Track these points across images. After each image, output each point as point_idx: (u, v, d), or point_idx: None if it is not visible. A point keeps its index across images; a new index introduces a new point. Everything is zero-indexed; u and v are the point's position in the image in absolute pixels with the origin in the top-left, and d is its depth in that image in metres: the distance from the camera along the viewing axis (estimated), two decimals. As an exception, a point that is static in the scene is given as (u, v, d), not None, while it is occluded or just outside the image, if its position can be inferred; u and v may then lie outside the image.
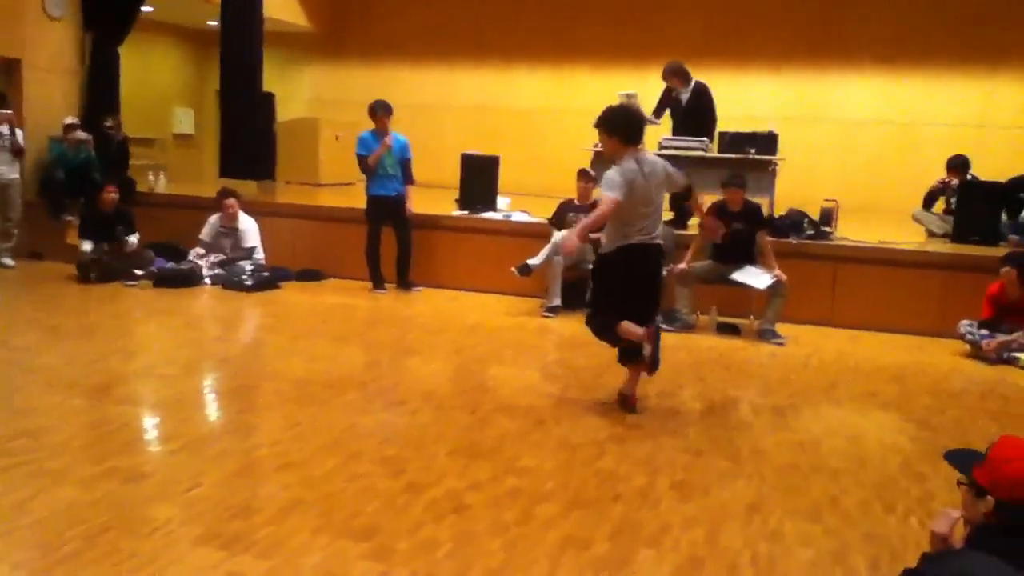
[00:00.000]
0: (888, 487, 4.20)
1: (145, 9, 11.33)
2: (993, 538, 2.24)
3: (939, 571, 2.17)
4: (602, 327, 5.24)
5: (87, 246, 8.56)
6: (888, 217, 10.44)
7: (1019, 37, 11.71)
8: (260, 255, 9.00)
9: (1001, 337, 6.94)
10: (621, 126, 5.08)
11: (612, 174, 4.97)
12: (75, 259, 8.64)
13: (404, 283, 8.83)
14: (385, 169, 8.54)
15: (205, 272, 8.67)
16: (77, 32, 10.56)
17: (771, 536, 3.58)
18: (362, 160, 8.54)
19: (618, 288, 5.16)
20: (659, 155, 8.62)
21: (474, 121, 13.88)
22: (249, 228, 9.00)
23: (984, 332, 7.04)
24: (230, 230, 8.98)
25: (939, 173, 9.62)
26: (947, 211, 9.34)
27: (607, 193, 4.92)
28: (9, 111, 8.96)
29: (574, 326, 5.86)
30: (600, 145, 5.23)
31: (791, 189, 8.97)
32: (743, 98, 12.05)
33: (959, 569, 2.14)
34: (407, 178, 8.75)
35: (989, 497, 2.31)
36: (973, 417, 5.50)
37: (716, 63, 11.70)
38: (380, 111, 8.54)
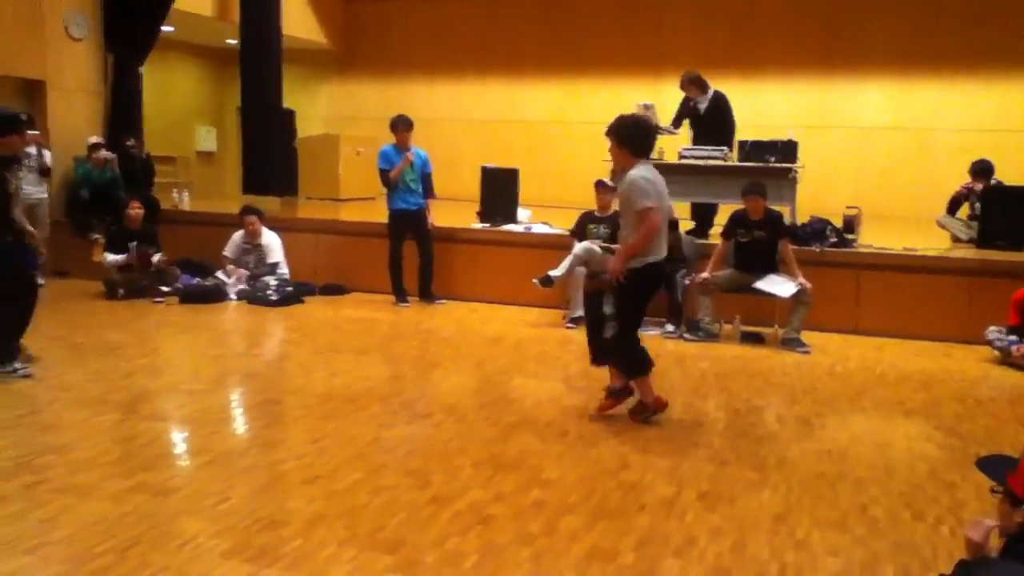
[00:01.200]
0: (917, 495, 4.16)
1: (166, 29, 11.48)
2: None
3: None
4: (631, 349, 5.17)
5: (112, 258, 8.65)
6: (906, 223, 10.37)
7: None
8: (284, 270, 9.07)
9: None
10: (632, 137, 5.05)
11: (640, 183, 4.91)
12: (102, 276, 8.74)
13: (427, 296, 8.86)
14: (407, 183, 8.59)
15: (230, 291, 8.74)
16: (99, 53, 10.71)
17: (798, 546, 3.56)
18: (384, 174, 8.60)
19: (643, 308, 5.23)
20: (679, 164, 8.77)
21: (488, 134, 13.95)
22: (272, 243, 9.08)
23: (1013, 338, 6.96)
24: (253, 246, 9.06)
25: (955, 179, 9.56)
26: (972, 216, 9.26)
27: (645, 202, 4.88)
28: (36, 132, 9.08)
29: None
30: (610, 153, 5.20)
31: (805, 197, 8.93)
32: (756, 106, 12.03)
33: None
34: (428, 192, 8.80)
35: None
36: (1002, 424, 5.44)
37: (728, 72, 11.71)
38: (401, 126, 8.61)
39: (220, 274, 8.96)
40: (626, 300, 5.12)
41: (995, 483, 2.39)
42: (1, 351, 5.69)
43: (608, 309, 5.21)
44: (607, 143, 5.15)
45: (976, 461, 2.63)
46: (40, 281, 6.03)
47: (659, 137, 8.97)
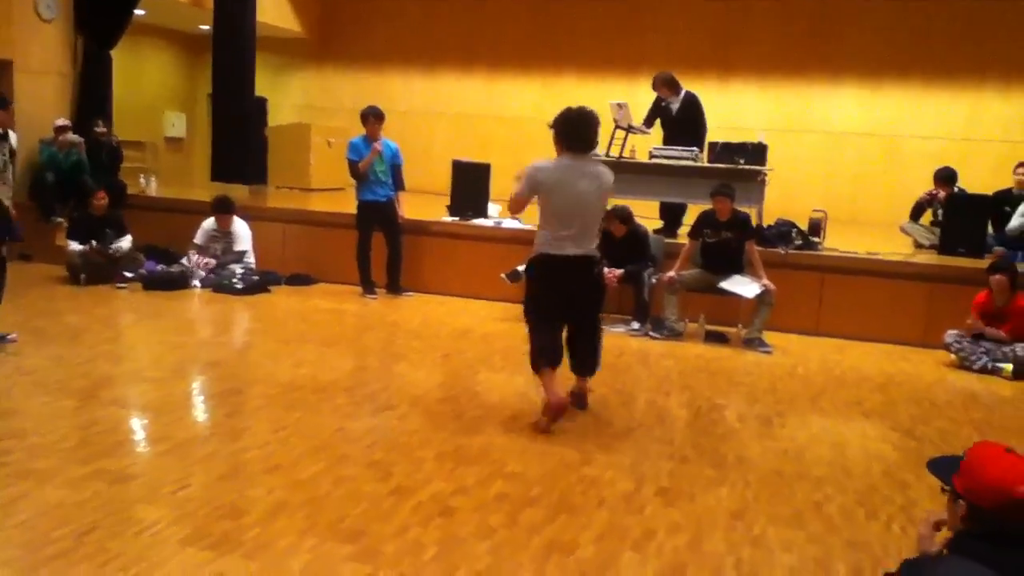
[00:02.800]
0: (871, 495, 4.24)
1: (138, 13, 11.33)
2: (973, 543, 2.26)
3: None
4: (531, 342, 5.12)
5: (75, 247, 8.54)
6: (873, 228, 10.52)
7: (1004, 51, 11.83)
8: (251, 259, 9.02)
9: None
10: (560, 131, 4.96)
11: (528, 169, 4.97)
12: (64, 261, 8.64)
13: (394, 288, 8.85)
14: (376, 175, 8.56)
15: (194, 279, 8.66)
16: (69, 34, 10.55)
17: (754, 542, 3.61)
18: (353, 165, 8.57)
19: (535, 301, 5.13)
20: (650, 163, 8.83)
21: (463, 128, 13.93)
22: (242, 232, 9.02)
23: (980, 348, 7.08)
24: (223, 234, 8.99)
25: (923, 185, 9.71)
26: (934, 223, 9.41)
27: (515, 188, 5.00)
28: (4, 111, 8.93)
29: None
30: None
31: (775, 199, 9.05)
32: (729, 109, 12.15)
33: (939, 575, 2.16)
34: (398, 184, 8.78)
35: (962, 502, 2.35)
36: (957, 427, 5.55)
37: (701, 73, 11.81)
38: (372, 118, 8.57)
39: (185, 260, 8.89)
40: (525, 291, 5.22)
41: (943, 483, 2.47)
42: None
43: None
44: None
45: (927, 462, 2.70)
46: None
47: (631, 136, 9.12)
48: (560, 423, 4.95)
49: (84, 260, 8.50)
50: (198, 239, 8.97)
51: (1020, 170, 8.92)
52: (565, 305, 5.06)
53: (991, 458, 2.37)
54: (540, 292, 5.11)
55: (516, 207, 5.17)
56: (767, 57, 12.75)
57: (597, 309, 5.27)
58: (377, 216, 8.67)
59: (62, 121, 9.98)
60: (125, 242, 8.70)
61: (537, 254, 5.05)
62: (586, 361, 5.28)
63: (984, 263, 7.77)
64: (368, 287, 8.76)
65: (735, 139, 8.93)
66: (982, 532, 2.30)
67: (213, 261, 8.85)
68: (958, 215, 8.82)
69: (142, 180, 10.98)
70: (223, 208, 8.96)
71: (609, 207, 7.97)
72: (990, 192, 9.05)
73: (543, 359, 4.97)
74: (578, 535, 3.56)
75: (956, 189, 9.35)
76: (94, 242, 8.56)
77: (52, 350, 6.04)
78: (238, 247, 8.95)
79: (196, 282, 8.64)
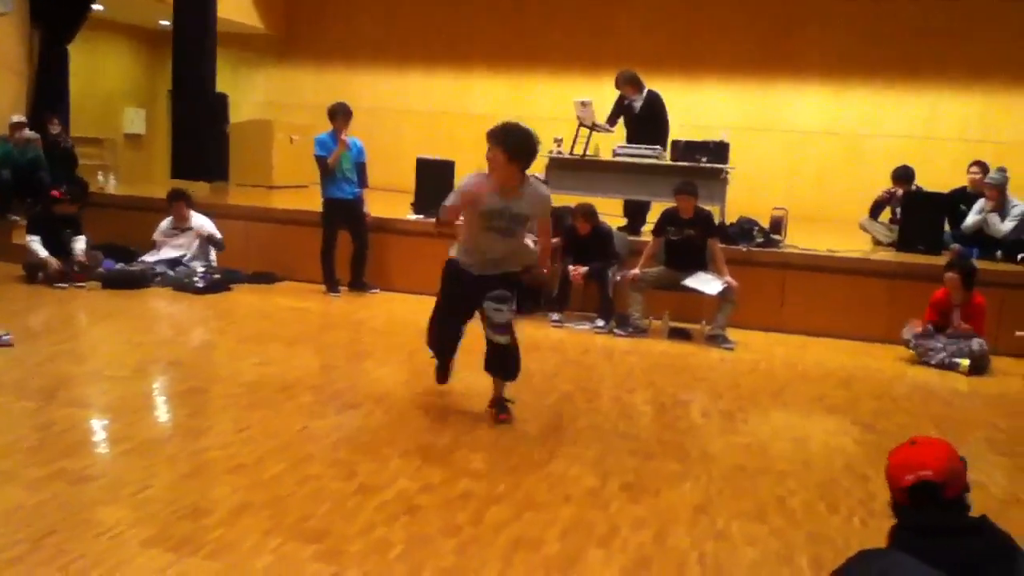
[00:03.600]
0: (832, 488, 4.29)
1: (96, 7, 11.16)
2: (911, 538, 2.30)
3: (862, 570, 2.22)
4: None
5: (37, 245, 8.35)
6: (835, 226, 10.65)
7: (963, 51, 12.03)
8: (212, 257, 8.91)
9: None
10: (520, 151, 4.76)
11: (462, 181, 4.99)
12: (22, 260, 8.47)
13: (359, 285, 8.81)
14: (343, 172, 8.52)
15: (157, 267, 8.58)
16: (25, 29, 10.37)
17: (718, 536, 3.65)
18: (322, 161, 8.51)
19: (442, 298, 5.28)
20: (614, 161, 8.87)
21: (430, 126, 13.88)
22: (204, 223, 8.90)
23: (937, 343, 7.19)
24: (182, 230, 8.88)
25: (884, 183, 9.84)
26: (893, 220, 9.55)
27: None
28: None
29: (527, 330, 5.90)
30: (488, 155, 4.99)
31: (739, 197, 9.12)
32: (693, 107, 12.22)
33: (880, 569, 2.19)
34: (362, 181, 8.74)
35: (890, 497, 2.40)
36: (917, 420, 5.64)
37: (667, 72, 11.86)
38: (340, 115, 8.52)
39: (147, 256, 8.77)
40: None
41: None
42: None
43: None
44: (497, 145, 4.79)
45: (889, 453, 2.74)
46: None
47: (594, 134, 9.15)
48: (526, 419, 4.95)
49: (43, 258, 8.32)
50: (156, 235, 8.86)
51: (973, 169, 9.08)
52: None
53: (894, 452, 2.44)
54: (444, 293, 5.38)
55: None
56: (731, 56, 12.85)
57: None
58: (343, 213, 8.62)
59: (18, 118, 9.80)
60: (80, 242, 8.51)
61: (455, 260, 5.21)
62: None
63: (942, 259, 7.91)
64: (332, 285, 8.70)
65: (700, 137, 9.00)
66: (909, 525, 2.34)
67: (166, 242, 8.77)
68: (916, 213, 8.96)
69: (100, 177, 10.82)
70: (178, 196, 8.85)
71: (574, 205, 8.04)
72: (947, 190, 9.21)
73: (432, 347, 5.48)
74: (544, 532, 3.57)
75: (914, 187, 9.49)
76: (54, 261, 8.31)
77: (9, 350, 5.92)
78: (205, 233, 8.83)
79: (158, 268, 8.58)
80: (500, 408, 5.08)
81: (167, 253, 8.79)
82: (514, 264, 5.04)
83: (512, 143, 4.73)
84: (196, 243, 8.86)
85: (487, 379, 5.35)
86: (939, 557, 2.16)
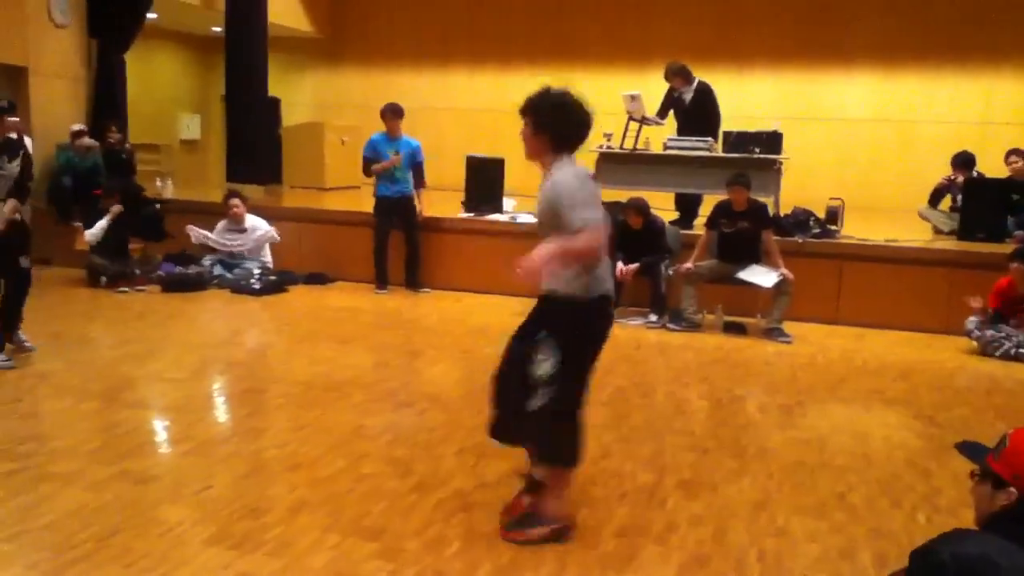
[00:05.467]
0: (894, 483, 4.20)
1: (150, 16, 11.38)
2: (1008, 525, 2.19)
3: (957, 550, 2.09)
4: (564, 427, 3.48)
5: (91, 233, 8.56)
6: (889, 215, 10.43)
7: (1019, 33, 11.68)
8: (267, 258, 9.06)
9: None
10: (557, 121, 3.47)
11: (573, 183, 3.36)
12: (84, 264, 8.69)
13: (412, 284, 8.87)
14: (392, 171, 8.61)
15: (196, 234, 8.84)
16: (82, 39, 10.61)
17: (777, 533, 3.59)
18: (366, 163, 8.62)
19: (587, 367, 3.47)
20: (664, 155, 8.80)
21: (473, 123, 13.90)
22: (258, 224, 9.07)
23: (1000, 334, 7.01)
24: (239, 231, 9.04)
25: (939, 171, 9.61)
26: (953, 208, 9.32)
27: (585, 215, 3.23)
28: (16, 119, 8.98)
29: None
30: (524, 137, 3.59)
31: (789, 188, 8.97)
32: (740, 97, 12.03)
33: (979, 552, 2.08)
34: (419, 181, 8.83)
35: (1012, 489, 2.27)
36: (979, 414, 5.50)
37: (713, 63, 11.70)
38: (390, 114, 8.64)
39: (205, 260, 8.95)
40: (566, 349, 3.33)
41: (976, 466, 2.38)
42: None
43: (544, 366, 3.35)
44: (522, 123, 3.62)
45: (956, 444, 2.63)
46: (25, 264, 5.99)
47: (644, 128, 9.08)
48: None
49: (104, 261, 8.50)
50: (213, 234, 9.03)
51: (1013, 159, 8.78)
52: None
53: None
54: (593, 354, 3.50)
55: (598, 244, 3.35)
56: (779, 45, 12.65)
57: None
58: (392, 212, 8.71)
59: (78, 126, 10.04)
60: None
61: (600, 295, 3.44)
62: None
63: (1004, 247, 7.69)
64: (382, 282, 8.78)
65: (747, 128, 8.87)
66: (1018, 515, 2.23)
67: (203, 233, 8.99)
68: (976, 200, 8.72)
69: (158, 183, 11.02)
70: (233, 193, 9.06)
71: (626, 200, 7.98)
72: (1007, 176, 8.96)
73: (579, 455, 3.55)
74: (600, 529, 3.55)
75: (974, 174, 9.25)
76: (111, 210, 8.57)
77: (72, 353, 6.08)
78: (259, 233, 8.99)
79: (206, 263, 8.80)
80: (527, 486, 3.66)
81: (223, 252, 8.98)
82: (554, 283, 3.40)
83: (542, 109, 3.46)
84: (252, 243, 9.01)
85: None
86: None
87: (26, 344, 5.98)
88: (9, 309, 5.85)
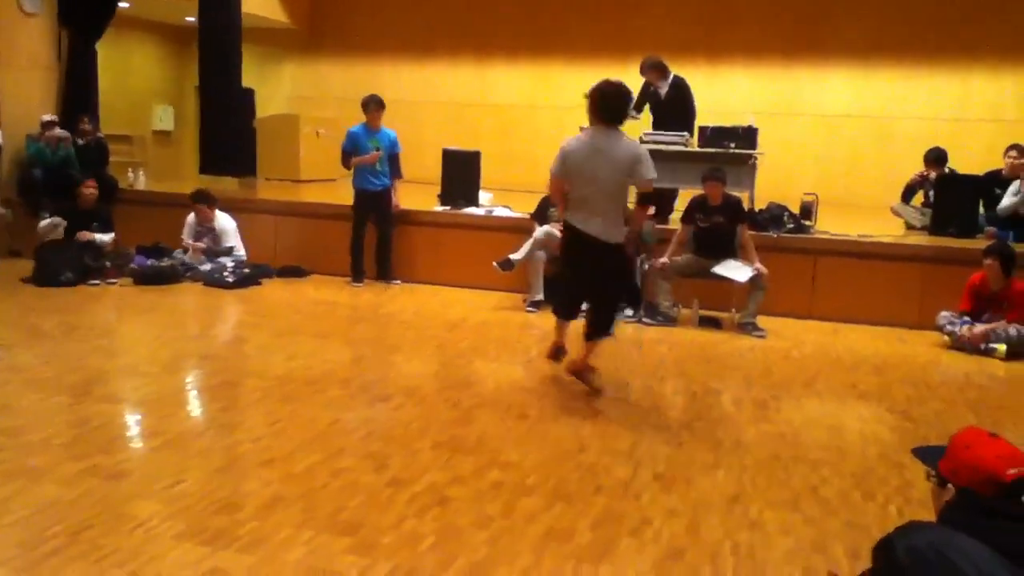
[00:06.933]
0: (868, 477, 4.24)
1: (122, 5, 11.24)
2: (955, 515, 2.31)
3: (911, 542, 2.20)
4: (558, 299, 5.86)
5: (44, 223, 8.48)
6: (865, 211, 10.51)
7: (994, 32, 11.81)
8: (241, 252, 8.96)
9: (981, 327, 7.00)
10: (593, 101, 5.22)
11: (559, 151, 5.28)
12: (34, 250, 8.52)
13: (384, 276, 8.85)
14: (372, 164, 8.59)
15: (199, 258, 8.69)
16: (53, 28, 10.46)
17: (752, 526, 3.61)
18: (345, 155, 8.60)
19: (565, 263, 5.65)
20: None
21: (452, 116, 13.88)
22: (226, 227, 8.95)
23: (966, 319, 7.10)
24: (207, 229, 8.94)
25: (915, 167, 9.70)
26: (925, 204, 9.41)
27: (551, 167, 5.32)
28: None
29: (553, 321, 5.87)
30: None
31: (766, 183, 9.02)
32: (719, 92, 12.09)
33: (930, 541, 2.18)
34: (395, 172, 8.81)
35: (950, 486, 2.38)
36: (952, 408, 5.56)
37: (691, 57, 11.76)
38: (372, 106, 8.60)
39: (180, 253, 8.85)
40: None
41: (929, 469, 2.51)
42: None
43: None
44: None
45: (912, 450, 2.76)
46: None
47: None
48: (556, 410, 4.93)
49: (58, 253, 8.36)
50: (185, 235, 8.93)
51: (1012, 153, 8.88)
52: (582, 278, 5.49)
53: (979, 443, 2.42)
54: (565, 256, 5.60)
55: (555, 193, 5.50)
56: (756, 40, 12.71)
57: (612, 292, 5.64)
58: (371, 204, 8.68)
59: (49, 116, 9.91)
60: (107, 238, 8.59)
61: (566, 221, 5.36)
62: (590, 327, 5.46)
63: (976, 243, 7.79)
64: (357, 275, 8.77)
65: (725, 123, 8.90)
66: (976, 508, 2.33)
67: (202, 245, 8.81)
68: (949, 195, 8.82)
69: (130, 174, 10.91)
70: (200, 199, 8.90)
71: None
72: (981, 172, 9.05)
73: (556, 311, 5.77)
74: (575, 522, 3.55)
75: (947, 170, 9.34)
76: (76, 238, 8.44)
77: (44, 347, 6.00)
78: (226, 243, 8.89)
79: (206, 266, 8.62)
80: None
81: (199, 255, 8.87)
82: None
83: (591, 92, 5.30)
84: (221, 242, 8.92)
85: (514, 370, 5.34)
86: (991, 539, 2.16)
87: None
88: None
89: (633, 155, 5.17)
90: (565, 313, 5.69)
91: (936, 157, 9.40)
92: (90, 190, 8.68)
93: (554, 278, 5.89)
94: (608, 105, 5.17)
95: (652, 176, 5.23)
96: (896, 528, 2.37)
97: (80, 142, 10.10)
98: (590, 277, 5.41)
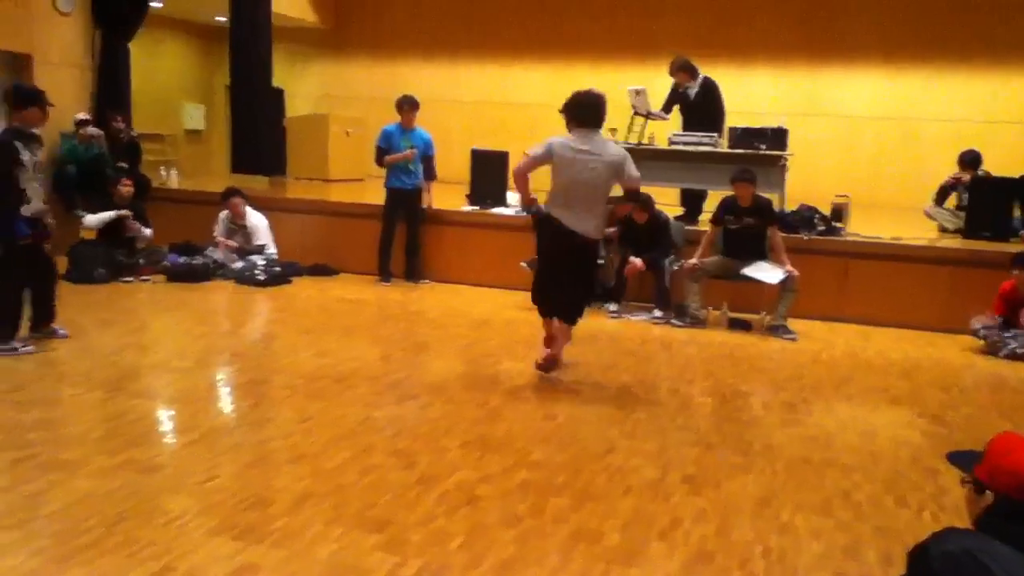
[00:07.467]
0: (899, 482, 4.20)
1: (154, 4, 11.36)
2: (994, 523, 2.27)
3: (946, 547, 2.18)
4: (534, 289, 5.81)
5: (92, 219, 8.56)
6: (892, 212, 10.41)
7: (1021, 31, 11.64)
8: (272, 250, 9.02)
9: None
10: (569, 110, 5.44)
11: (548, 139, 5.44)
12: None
13: (413, 275, 8.88)
14: (405, 163, 8.63)
15: (230, 256, 8.76)
16: (87, 27, 10.58)
17: (782, 529, 3.59)
18: (379, 152, 8.67)
19: (541, 255, 5.70)
20: (669, 150, 8.77)
21: (478, 116, 13.90)
22: (258, 224, 9.03)
23: (1009, 334, 6.96)
24: (239, 227, 9.02)
25: (943, 169, 9.61)
26: (959, 207, 9.31)
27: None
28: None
29: (585, 321, 5.87)
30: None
31: (794, 184, 8.96)
32: (744, 93, 12.00)
33: (966, 547, 2.15)
34: (428, 174, 8.86)
35: (988, 492, 2.35)
36: (984, 413, 5.49)
37: (717, 57, 11.68)
38: (406, 106, 8.67)
39: (211, 251, 8.93)
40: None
41: (965, 475, 2.47)
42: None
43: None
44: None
45: (947, 455, 2.73)
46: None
47: (649, 123, 9.06)
48: (584, 410, 4.92)
49: (105, 251, 8.47)
50: (217, 233, 9.00)
51: None
52: (556, 271, 5.57)
53: (1019, 449, 2.38)
54: (541, 248, 5.68)
55: (521, 168, 5.55)
56: (781, 40, 12.63)
57: (583, 286, 5.74)
58: (402, 203, 8.73)
59: (83, 115, 10.01)
60: (147, 231, 8.71)
61: (548, 214, 5.48)
62: (563, 310, 5.66)
63: (1010, 247, 7.68)
64: (385, 274, 8.81)
65: (750, 124, 8.85)
66: (1003, 515, 2.29)
67: (235, 244, 8.88)
68: (982, 198, 8.72)
69: (163, 172, 11.01)
70: (234, 192, 9.00)
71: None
72: (1009, 175, 8.93)
73: (539, 307, 5.77)
74: (604, 524, 3.54)
75: (981, 172, 9.23)
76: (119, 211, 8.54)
77: (78, 342, 6.08)
78: (257, 241, 8.96)
79: (238, 264, 8.69)
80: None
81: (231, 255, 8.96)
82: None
83: (564, 105, 5.54)
84: (253, 240, 8.99)
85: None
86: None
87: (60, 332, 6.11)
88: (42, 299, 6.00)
89: (622, 155, 5.43)
90: (545, 311, 5.74)
91: (970, 159, 9.31)
92: (127, 188, 8.77)
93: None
94: (586, 110, 5.38)
95: (639, 175, 5.52)
96: (932, 534, 2.34)
97: (120, 137, 10.22)
98: (564, 270, 5.53)
